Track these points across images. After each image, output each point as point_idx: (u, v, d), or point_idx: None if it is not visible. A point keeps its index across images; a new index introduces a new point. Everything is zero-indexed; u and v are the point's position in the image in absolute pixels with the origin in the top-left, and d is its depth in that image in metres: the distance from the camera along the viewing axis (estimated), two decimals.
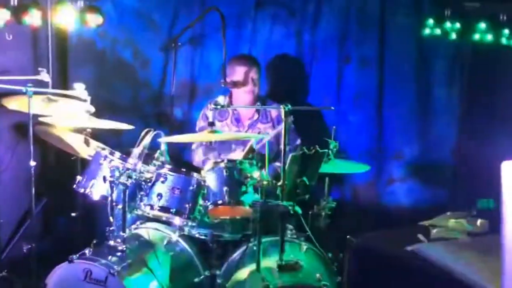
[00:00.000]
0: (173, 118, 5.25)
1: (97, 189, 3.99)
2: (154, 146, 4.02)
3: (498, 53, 4.86)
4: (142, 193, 3.94)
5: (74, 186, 4.09)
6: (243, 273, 3.90)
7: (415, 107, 5.34)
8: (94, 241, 3.91)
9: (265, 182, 3.74)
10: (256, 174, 3.89)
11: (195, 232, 4.16)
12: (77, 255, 3.77)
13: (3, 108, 4.41)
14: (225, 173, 3.87)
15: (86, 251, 3.83)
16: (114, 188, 3.82)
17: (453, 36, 4.92)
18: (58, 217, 5.19)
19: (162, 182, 3.91)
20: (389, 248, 3.88)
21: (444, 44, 5.12)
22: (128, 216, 3.92)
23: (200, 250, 4.21)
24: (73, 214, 4.64)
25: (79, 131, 4.28)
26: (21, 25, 4.49)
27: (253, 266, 3.81)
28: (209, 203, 3.90)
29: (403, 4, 5.22)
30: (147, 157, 3.99)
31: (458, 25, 4.89)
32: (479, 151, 5.06)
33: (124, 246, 3.84)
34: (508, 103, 4.96)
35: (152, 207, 3.92)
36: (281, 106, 3.74)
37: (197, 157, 4.89)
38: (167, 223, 4.25)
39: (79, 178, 4.09)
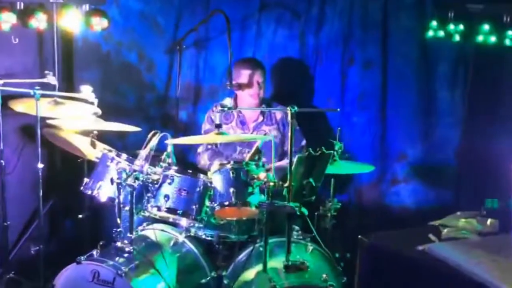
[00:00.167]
0: (178, 121, 5.27)
1: (104, 191, 4.02)
2: (159, 148, 4.04)
3: (501, 55, 4.86)
4: (149, 194, 3.97)
5: (81, 188, 4.12)
6: (249, 274, 3.92)
7: (418, 108, 5.34)
8: (101, 243, 3.94)
9: (271, 183, 3.75)
10: (262, 175, 3.92)
11: (202, 233, 4.19)
12: (85, 256, 3.79)
13: (9, 110, 4.45)
14: (231, 175, 3.89)
15: (94, 252, 3.86)
16: (122, 190, 3.85)
17: (457, 38, 4.92)
18: (65, 219, 5.22)
19: (169, 183, 3.93)
20: (400, 248, 3.89)
21: (447, 46, 5.12)
22: (134, 217, 3.94)
23: (207, 251, 4.24)
24: (79, 216, 4.68)
25: (86, 133, 4.31)
26: (27, 28, 4.53)
27: (259, 267, 3.83)
28: (215, 204, 3.92)
29: (406, 6, 5.22)
30: (153, 159, 4.02)
31: (461, 26, 4.88)
32: (483, 152, 5.06)
33: (131, 247, 3.87)
34: None
35: (159, 209, 3.93)
36: (288, 108, 3.76)
37: (203, 161, 4.90)
38: (173, 224, 4.28)
39: (86, 180, 4.12)
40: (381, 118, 5.39)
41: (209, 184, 3.96)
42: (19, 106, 4.40)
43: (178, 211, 3.93)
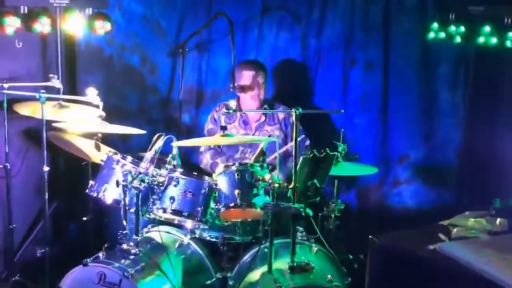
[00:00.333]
0: (181, 123, 5.29)
1: (109, 193, 4.04)
2: (163, 150, 4.06)
3: (502, 56, 4.88)
4: (154, 196, 3.99)
5: (87, 190, 4.14)
6: (255, 275, 3.94)
7: (420, 109, 5.36)
8: (106, 245, 3.96)
9: (276, 185, 3.78)
10: (267, 176, 3.94)
11: (207, 235, 4.21)
12: (91, 259, 3.81)
13: (13, 114, 4.46)
14: (236, 176, 3.91)
15: (100, 254, 3.88)
16: (127, 192, 3.87)
17: (458, 39, 4.93)
18: (70, 222, 5.23)
19: (175, 185, 3.95)
20: (411, 248, 3.91)
21: (448, 48, 5.15)
22: (140, 219, 3.96)
23: (212, 252, 4.26)
24: (84, 219, 4.69)
25: (90, 136, 4.33)
26: (31, 32, 4.54)
27: (264, 268, 3.86)
28: (221, 206, 3.94)
29: (407, 8, 5.25)
30: (158, 162, 4.04)
31: (462, 28, 4.90)
32: (484, 153, 5.10)
33: (137, 249, 3.88)
34: None
35: (165, 211, 3.96)
36: (292, 110, 3.79)
37: (205, 160, 4.94)
38: (179, 226, 4.30)
39: (91, 182, 4.14)
40: (382, 120, 5.41)
41: (214, 186, 3.98)
42: (24, 109, 4.42)
43: (184, 213, 3.95)
